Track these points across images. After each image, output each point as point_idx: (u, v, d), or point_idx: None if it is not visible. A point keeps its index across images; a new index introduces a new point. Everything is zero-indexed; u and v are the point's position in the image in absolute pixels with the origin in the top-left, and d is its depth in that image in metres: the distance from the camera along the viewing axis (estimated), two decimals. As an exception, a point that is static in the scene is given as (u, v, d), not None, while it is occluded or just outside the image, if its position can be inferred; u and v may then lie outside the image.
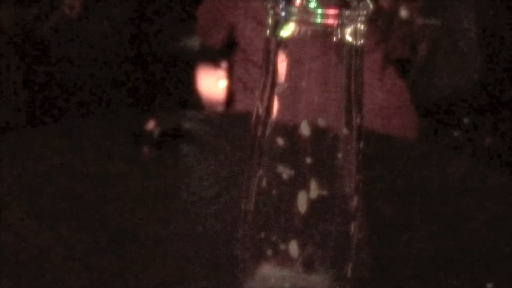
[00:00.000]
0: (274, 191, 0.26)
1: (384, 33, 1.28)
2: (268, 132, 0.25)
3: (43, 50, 1.16)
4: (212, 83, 1.42)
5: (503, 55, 1.54)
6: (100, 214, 0.74)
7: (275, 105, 0.25)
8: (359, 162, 0.25)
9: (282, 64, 0.26)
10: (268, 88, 0.26)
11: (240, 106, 1.29)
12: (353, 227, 0.26)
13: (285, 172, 0.25)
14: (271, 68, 0.26)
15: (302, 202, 0.25)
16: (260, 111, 0.25)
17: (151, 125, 0.92)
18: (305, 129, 0.24)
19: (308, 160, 0.25)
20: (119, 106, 1.09)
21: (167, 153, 0.91)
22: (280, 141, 0.25)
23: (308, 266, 0.30)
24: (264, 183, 0.27)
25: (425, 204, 0.82)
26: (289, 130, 0.25)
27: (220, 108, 1.36)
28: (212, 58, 1.41)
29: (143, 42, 1.20)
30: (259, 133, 0.25)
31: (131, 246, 0.69)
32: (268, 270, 0.31)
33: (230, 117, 1.16)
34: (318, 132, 0.24)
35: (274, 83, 0.26)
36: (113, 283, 0.63)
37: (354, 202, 0.26)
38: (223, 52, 1.36)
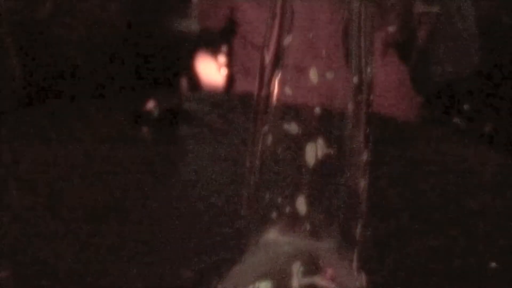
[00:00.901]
0: (281, 145, 0.25)
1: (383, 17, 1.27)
2: (274, 83, 0.24)
3: (40, 31, 1.15)
4: (212, 66, 1.41)
5: (503, 41, 1.54)
6: (99, 194, 0.73)
7: (282, 56, 0.24)
8: (370, 113, 0.24)
9: (289, 14, 0.25)
10: (274, 39, 0.25)
11: (240, 88, 1.28)
12: (362, 183, 0.25)
13: (293, 124, 0.24)
14: (277, 20, 0.25)
15: (310, 155, 0.24)
16: (267, 61, 0.24)
17: (150, 105, 0.91)
18: (314, 76, 0.23)
19: (317, 110, 0.24)
20: (118, 86, 1.08)
21: (167, 132, 0.90)
22: (287, 90, 0.24)
23: (315, 228, 0.29)
24: (270, 138, 0.26)
25: (427, 184, 0.81)
26: (296, 78, 0.24)
27: (220, 90, 1.35)
28: (212, 41, 1.40)
29: (142, 23, 1.19)
30: (265, 84, 0.24)
31: (132, 225, 0.69)
32: (273, 235, 0.30)
33: (231, 98, 1.15)
34: (327, 81, 0.23)
35: (280, 34, 0.25)
36: (114, 260, 0.63)
37: (364, 156, 0.25)
38: (223, 35, 1.35)
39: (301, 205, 0.26)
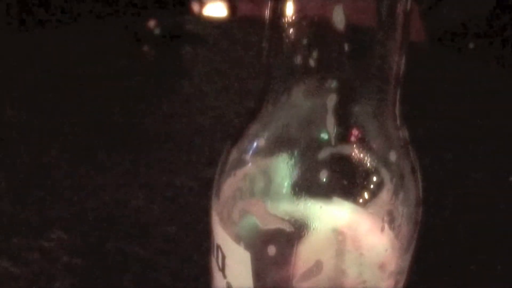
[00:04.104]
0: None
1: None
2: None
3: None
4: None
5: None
6: (101, 110, 0.70)
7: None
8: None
9: None
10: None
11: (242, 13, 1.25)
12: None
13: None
14: None
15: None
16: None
17: (151, 24, 0.87)
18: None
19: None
20: (118, 6, 1.03)
21: (169, 51, 0.86)
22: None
23: (347, 86, 0.25)
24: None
25: (441, 96, 0.78)
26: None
27: (222, 15, 1.32)
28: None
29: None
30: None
31: (132, 139, 0.66)
32: (295, 96, 0.26)
33: (233, 21, 1.11)
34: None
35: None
36: (113, 173, 0.60)
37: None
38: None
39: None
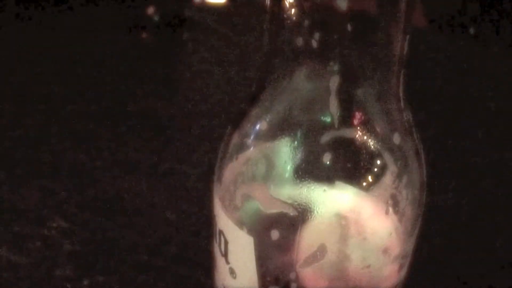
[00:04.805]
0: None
1: None
2: None
3: None
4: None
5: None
6: (101, 97, 0.70)
7: None
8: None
9: None
10: None
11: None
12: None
13: None
14: None
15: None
16: None
17: (150, 10, 0.87)
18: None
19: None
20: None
21: (168, 37, 0.86)
22: None
23: (349, 68, 0.24)
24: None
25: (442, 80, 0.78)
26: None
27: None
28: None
29: None
30: None
31: (135, 127, 0.65)
32: (297, 79, 0.26)
33: (233, 6, 1.10)
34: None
35: None
36: (120, 163, 0.60)
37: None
38: None
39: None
